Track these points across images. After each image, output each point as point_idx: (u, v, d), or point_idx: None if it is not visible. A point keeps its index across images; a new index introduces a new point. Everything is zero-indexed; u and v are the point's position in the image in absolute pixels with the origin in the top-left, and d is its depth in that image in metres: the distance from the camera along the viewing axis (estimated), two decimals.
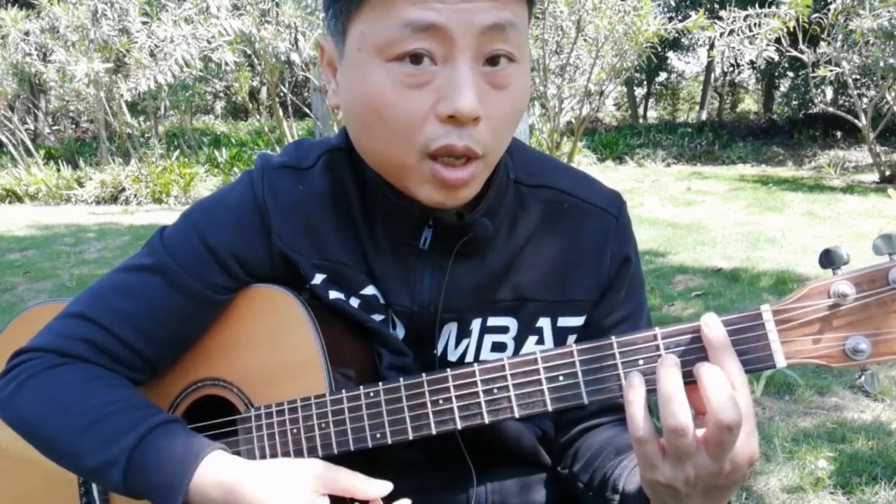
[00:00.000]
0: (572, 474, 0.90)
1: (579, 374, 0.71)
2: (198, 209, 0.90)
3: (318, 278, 0.86)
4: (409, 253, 0.86)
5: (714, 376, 0.63)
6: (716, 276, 4.62)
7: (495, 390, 0.74)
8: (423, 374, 0.76)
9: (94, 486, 0.95)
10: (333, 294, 0.86)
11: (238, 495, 0.75)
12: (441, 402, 0.75)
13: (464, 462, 0.88)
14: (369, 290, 0.86)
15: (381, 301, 0.87)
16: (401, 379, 0.77)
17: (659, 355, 0.68)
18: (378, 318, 0.86)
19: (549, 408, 0.72)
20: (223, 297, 0.87)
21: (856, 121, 8.77)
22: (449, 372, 0.75)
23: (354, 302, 0.86)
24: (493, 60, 0.71)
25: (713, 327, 0.66)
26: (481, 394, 0.74)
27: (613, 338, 0.70)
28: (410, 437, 0.77)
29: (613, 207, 0.90)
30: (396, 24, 0.68)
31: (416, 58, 0.69)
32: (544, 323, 0.88)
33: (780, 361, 0.67)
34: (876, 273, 0.64)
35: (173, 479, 0.76)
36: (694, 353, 0.68)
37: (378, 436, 0.78)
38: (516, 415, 0.73)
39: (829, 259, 0.66)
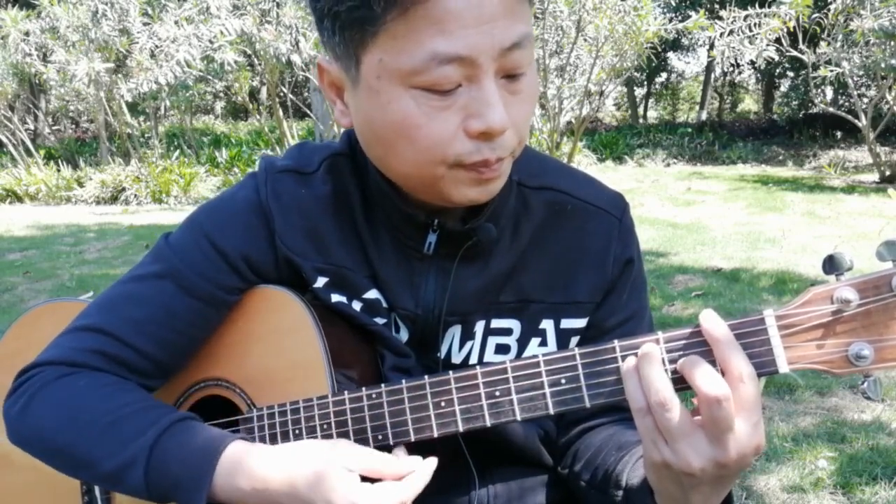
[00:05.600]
0: (573, 473, 0.90)
1: (581, 377, 0.71)
2: (203, 212, 0.90)
3: (321, 282, 0.86)
4: (413, 258, 0.86)
5: (692, 362, 0.66)
6: (716, 276, 4.62)
7: (497, 393, 0.74)
8: (426, 377, 0.76)
9: (96, 486, 0.95)
10: (336, 297, 0.86)
11: (266, 481, 0.74)
12: (443, 404, 0.75)
13: (466, 464, 0.89)
14: (372, 294, 0.86)
15: (384, 305, 0.87)
16: (403, 381, 0.77)
17: (662, 359, 0.68)
18: (381, 321, 0.86)
19: (551, 411, 0.72)
20: (234, 297, 0.87)
21: (856, 121, 8.77)
22: (451, 374, 0.75)
23: (357, 305, 0.86)
24: (511, 77, 0.72)
25: (712, 322, 0.67)
26: (483, 396, 0.74)
27: (616, 341, 0.70)
28: (412, 439, 0.77)
29: (616, 209, 0.90)
30: (421, 55, 0.67)
31: (443, 90, 0.70)
32: (547, 325, 0.88)
33: (783, 367, 0.67)
34: (880, 279, 0.64)
35: (198, 470, 0.74)
36: (698, 355, 0.67)
37: (380, 437, 0.78)
38: (518, 417, 0.73)
39: (832, 265, 0.66)
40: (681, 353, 0.68)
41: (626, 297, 0.90)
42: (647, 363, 0.66)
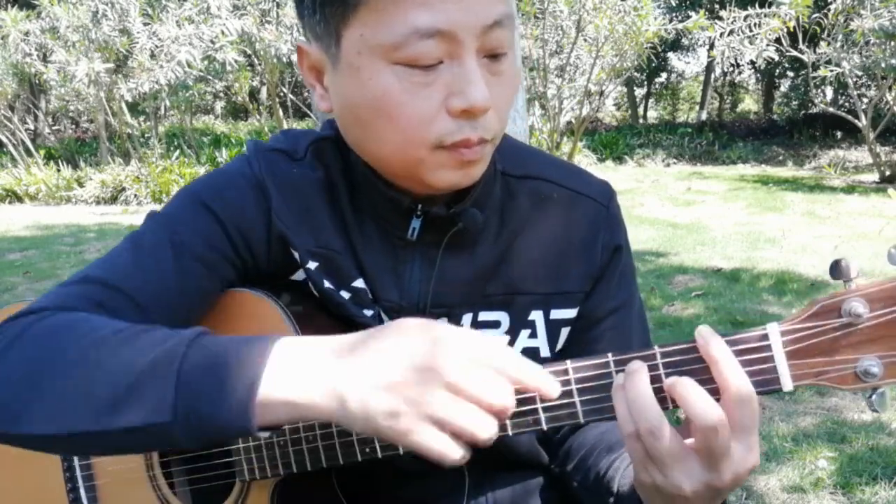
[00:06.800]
0: (566, 473, 0.89)
1: (574, 392, 0.67)
2: (197, 183, 0.85)
3: (312, 265, 0.83)
4: (397, 246, 0.83)
5: (683, 385, 0.62)
6: (716, 276, 4.62)
7: None
8: None
9: (81, 484, 0.93)
10: (327, 283, 0.82)
11: (344, 340, 0.63)
12: None
13: (460, 470, 0.86)
14: (359, 284, 0.83)
15: (370, 296, 0.84)
16: None
17: (659, 375, 0.65)
18: (368, 312, 0.83)
19: (545, 426, 0.68)
20: (228, 271, 0.81)
21: (856, 121, 8.77)
22: None
23: (345, 295, 0.83)
24: (493, 57, 0.72)
25: (708, 339, 0.63)
26: None
27: (610, 355, 0.67)
28: (401, 452, 0.73)
29: (603, 197, 0.89)
30: (402, 29, 0.67)
31: (424, 65, 0.69)
32: (536, 316, 0.86)
33: (787, 384, 0.63)
34: (892, 290, 0.61)
35: (246, 366, 0.61)
36: (697, 372, 0.64)
37: (367, 450, 0.74)
38: (509, 432, 0.69)
39: (839, 271, 0.62)
40: (678, 370, 0.64)
41: (615, 286, 0.88)
42: (634, 386, 0.63)
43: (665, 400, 0.64)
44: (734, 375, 0.62)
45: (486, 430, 0.60)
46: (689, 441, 0.62)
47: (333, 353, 0.62)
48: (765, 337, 0.63)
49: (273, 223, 0.82)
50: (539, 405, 0.68)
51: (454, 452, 0.59)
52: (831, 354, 0.62)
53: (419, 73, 0.69)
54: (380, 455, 0.74)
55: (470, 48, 0.69)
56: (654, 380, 0.64)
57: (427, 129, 0.71)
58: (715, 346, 0.62)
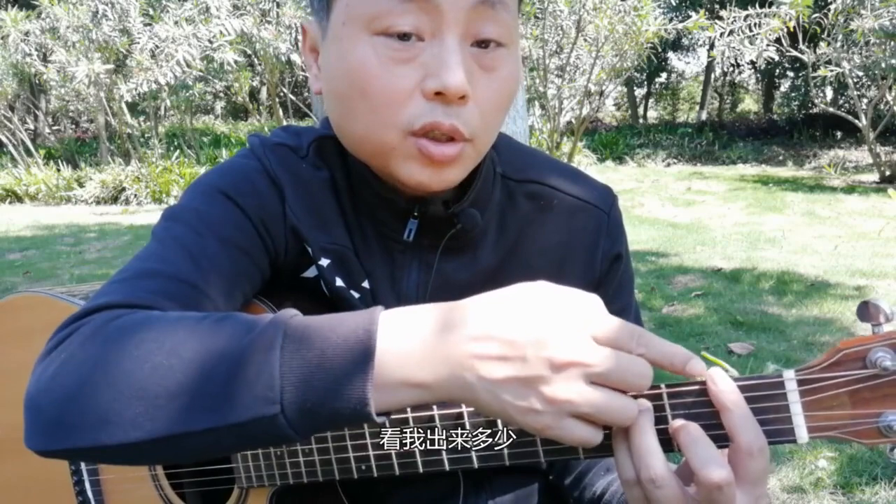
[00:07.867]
0: (563, 485, 0.88)
1: None
2: (212, 175, 0.80)
3: (325, 262, 0.80)
4: (395, 250, 0.81)
5: (691, 434, 0.58)
6: (716, 277, 4.62)
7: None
8: (409, 410, 0.70)
9: (86, 477, 0.93)
10: (339, 282, 0.80)
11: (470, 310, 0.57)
12: (429, 443, 0.70)
13: (456, 474, 0.84)
14: (367, 284, 0.81)
15: (372, 299, 0.81)
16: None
17: (665, 416, 0.61)
18: None
19: (542, 459, 0.66)
20: (262, 262, 0.77)
21: (856, 121, 8.77)
22: (436, 410, 0.70)
23: (355, 294, 0.81)
24: (482, 43, 0.69)
25: (722, 385, 0.58)
26: (471, 438, 0.69)
27: None
28: (397, 473, 0.72)
29: (605, 203, 0.87)
30: None
31: (403, 35, 0.67)
32: None
33: (802, 436, 0.58)
34: None
35: (354, 344, 0.54)
36: (705, 416, 0.60)
37: (363, 468, 0.73)
38: (507, 462, 0.67)
39: (868, 314, 0.57)
40: (686, 412, 0.60)
41: (613, 293, 0.86)
42: (637, 431, 0.58)
43: (669, 442, 0.60)
44: (745, 426, 0.57)
45: (630, 415, 0.55)
46: (692, 490, 0.58)
47: (452, 326, 0.56)
48: (780, 385, 0.59)
49: (288, 217, 0.79)
50: (537, 437, 0.65)
51: (594, 438, 0.55)
52: (852, 407, 0.57)
53: (396, 45, 0.67)
54: (375, 474, 0.72)
55: (452, 27, 0.66)
56: (660, 420, 0.60)
57: (399, 110, 0.68)
58: (726, 393, 0.58)
